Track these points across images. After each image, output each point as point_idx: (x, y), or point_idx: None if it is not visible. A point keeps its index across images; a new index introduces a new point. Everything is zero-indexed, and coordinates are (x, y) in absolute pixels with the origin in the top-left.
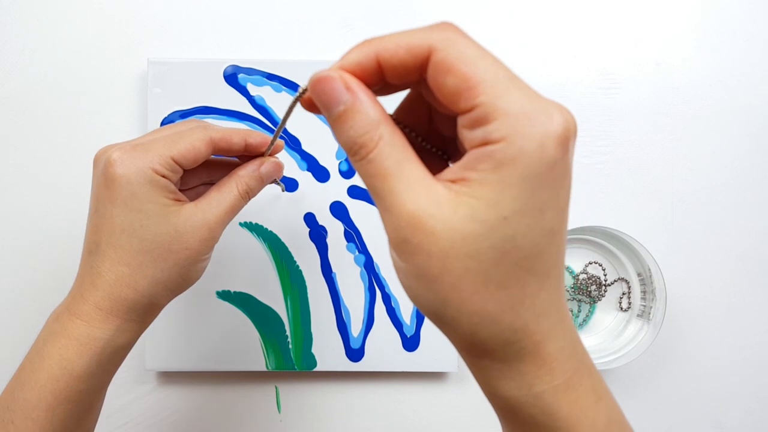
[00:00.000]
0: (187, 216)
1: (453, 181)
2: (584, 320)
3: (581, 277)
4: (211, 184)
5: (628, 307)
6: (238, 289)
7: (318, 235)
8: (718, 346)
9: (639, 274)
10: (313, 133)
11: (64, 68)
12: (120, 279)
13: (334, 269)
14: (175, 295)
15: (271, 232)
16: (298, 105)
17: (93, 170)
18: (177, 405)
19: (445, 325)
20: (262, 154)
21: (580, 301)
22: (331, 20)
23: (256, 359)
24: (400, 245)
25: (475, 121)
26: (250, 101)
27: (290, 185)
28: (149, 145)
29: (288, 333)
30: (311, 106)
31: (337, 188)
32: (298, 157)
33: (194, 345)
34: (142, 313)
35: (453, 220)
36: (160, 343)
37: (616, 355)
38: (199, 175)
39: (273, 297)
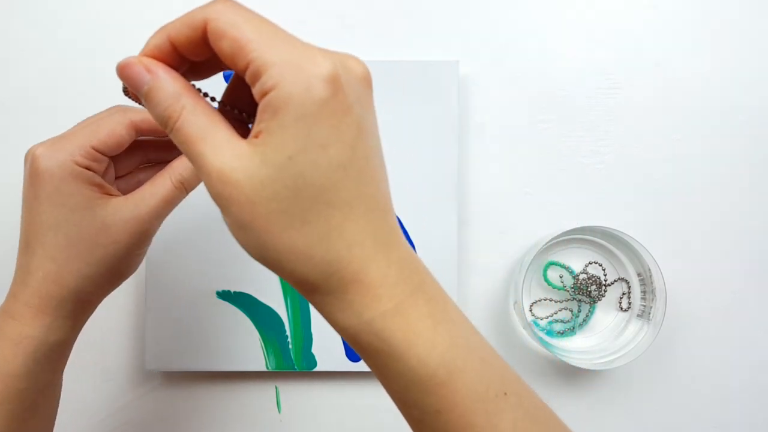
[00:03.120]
0: (115, 209)
1: (255, 137)
2: (584, 320)
3: (581, 277)
4: (158, 164)
5: (628, 307)
6: (238, 289)
7: None
8: (719, 347)
9: (639, 274)
10: None
11: (64, 68)
12: (47, 275)
13: None
14: (108, 291)
15: None
16: None
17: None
18: (177, 405)
19: (273, 267)
20: None
21: (580, 301)
22: (330, 20)
23: (256, 359)
24: (217, 201)
25: (252, 76)
26: None
27: None
28: (69, 137)
29: (288, 333)
30: (133, 94)
31: None
32: None
33: (194, 345)
34: (72, 309)
35: (251, 168)
36: (160, 343)
37: (616, 355)
38: (133, 159)
39: (273, 297)
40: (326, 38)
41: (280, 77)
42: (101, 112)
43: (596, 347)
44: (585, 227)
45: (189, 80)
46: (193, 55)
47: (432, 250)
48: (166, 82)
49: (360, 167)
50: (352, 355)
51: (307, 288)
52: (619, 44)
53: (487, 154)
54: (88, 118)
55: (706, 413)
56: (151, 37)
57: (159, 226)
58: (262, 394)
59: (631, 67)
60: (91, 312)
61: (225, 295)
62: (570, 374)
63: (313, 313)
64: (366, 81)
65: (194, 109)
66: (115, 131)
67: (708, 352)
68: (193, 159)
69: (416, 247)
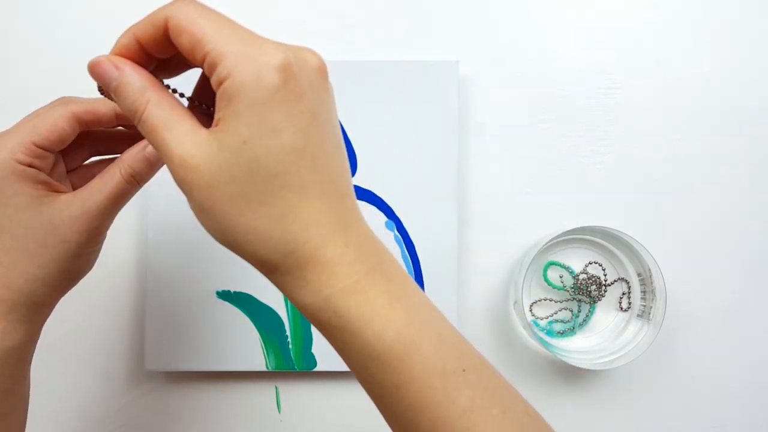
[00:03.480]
0: (63, 206)
1: (215, 125)
2: (584, 320)
3: (581, 277)
4: (111, 156)
5: (628, 307)
6: (238, 289)
7: None
8: (718, 346)
9: (639, 274)
10: None
11: (64, 68)
12: None
13: None
14: (63, 292)
15: None
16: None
17: None
18: (177, 405)
19: (235, 249)
20: None
21: (580, 301)
22: (330, 20)
23: (256, 359)
24: (180, 186)
25: (209, 68)
26: None
27: None
28: (9, 134)
29: (288, 333)
30: (106, 91)
31: None
32: None
33: (194, 345)
34: (26, 312)
35: (210, 154)
36: (160, 343)
37: (616, 355)
38: (83, 152)
39: (273, 297)
40: (326, 38)
41: (234, 67)
42: (44, 106)
43: (596, 347)
44: (585, 227)
45: (160, 78)
46: (158, 52)
47: (432, 250)
48: (133, 78)
49: (314, 152)
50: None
51: (268, 268)
52: (619, 44)
53: (487, 154)
54: (32, 112)
55: (706, 413)
56: (120, 37)
57: (111, 221)
58: (262, 394)
59: (631, 67)
60: (48, 314)
61: (225, 295)
62: (570, 374)
63: None
64: (320, 71)
65: (159, 101)
66: (57, 125)
67: (708, 352)
68: (158, 148)
69: (416, 247)
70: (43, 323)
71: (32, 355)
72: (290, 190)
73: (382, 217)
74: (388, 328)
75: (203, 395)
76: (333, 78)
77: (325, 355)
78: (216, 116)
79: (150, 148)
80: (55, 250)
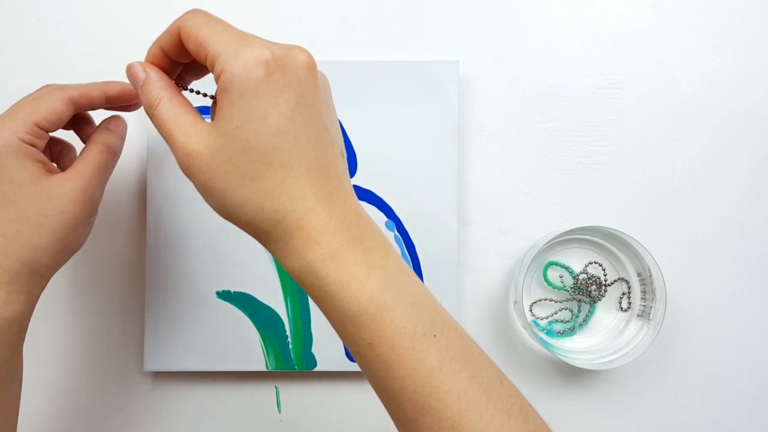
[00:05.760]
0: (59, 181)
1: (216, 116)
2: (584, 320)
3: (581, 277)
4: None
5: (628, 307)
6: (238, 289)
7: None
8: (718, 346)
9: (639, 274)
10: None
11: (64, 68)
12: None
13: None
14: (59, 263)
15: None
16: None
17: None
18: (177, 405)
19: (236, 220)
20: (127, 106)
21: (580, 301)
22: (330, 20)
23: (256, 359)
24: (185, 172)
25: (210, 66)
26: None
27: None
28: (12, 115)
29: (288, 333)
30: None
31: None
32: None
33: (194, 345)
34: (26, 282)
35: (208, 140)
36: (160, 343)
37: (616, 355)
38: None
39: (273, 297)
40: (326, 38)
41: (226, 63)
42: (36, 92)
43: (596, 347)
44: (585, 227)
45: (188, 80)
46: (178, 57)
47: (432, 250)
48: (154, 79)
49: (297, 134)
50: (351, 356)
51: (263, 236)
52: (619, 44)
53: (487, 154)
54: (24, 98)
55: (706, 413)
56: (150, 47)
57: (101, 194)
58: (262, 394)
59: (631, 67)
60: (44, 286)
61: (225, 295)
62: (570, 374)
63: (313, 313)
64: (307, 66)
65: (170, 100)
66: (56, 108)
67: (708, 352)
68: (166, 139)
69: (416, 247)
70: (39, 295)
71: (27, 328)
72: (277, 167)
73: (382, 217)
74: (363, 291)
75: (203, 395)
76: (333, 78)
77: (325, 355)
78: (217, 107)
79: (114, 124)
80: (54, 220)
